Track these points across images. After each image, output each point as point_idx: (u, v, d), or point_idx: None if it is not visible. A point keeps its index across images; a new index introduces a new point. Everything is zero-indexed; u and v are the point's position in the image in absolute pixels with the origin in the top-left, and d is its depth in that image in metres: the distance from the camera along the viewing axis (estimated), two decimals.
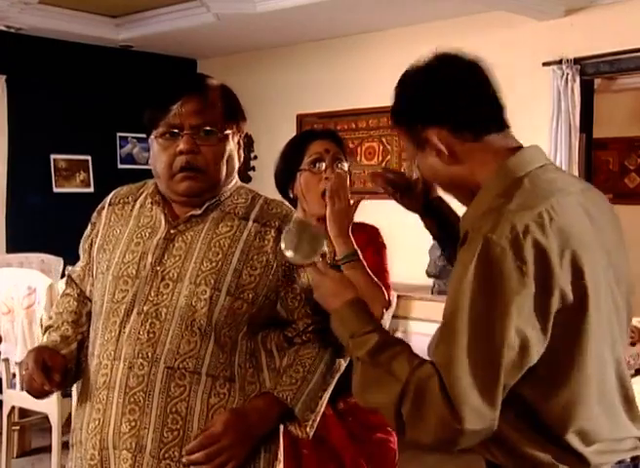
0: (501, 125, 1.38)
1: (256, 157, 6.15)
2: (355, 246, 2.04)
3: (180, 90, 1.59)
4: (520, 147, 1.38)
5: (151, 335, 1.52)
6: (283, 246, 1.51)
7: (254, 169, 6.14)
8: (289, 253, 1.51)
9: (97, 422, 1.55)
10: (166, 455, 1.50)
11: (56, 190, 5.73)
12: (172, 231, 1.59)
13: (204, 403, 1.52)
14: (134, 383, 1.51)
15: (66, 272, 1.79)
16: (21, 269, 4.36)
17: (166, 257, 1.57)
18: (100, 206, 1.75)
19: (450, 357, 1.22)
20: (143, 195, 1.69)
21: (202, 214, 1.60)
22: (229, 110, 1.64)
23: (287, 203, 1.70)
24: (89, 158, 5.81)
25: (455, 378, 1.21)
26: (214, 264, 1.55)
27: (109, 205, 1.72)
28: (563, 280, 1.23)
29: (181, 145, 1.56)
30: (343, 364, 1.67)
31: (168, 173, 1.58)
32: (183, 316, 1.52)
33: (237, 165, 1.68)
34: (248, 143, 6.32)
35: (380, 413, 1.35)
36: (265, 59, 6.05)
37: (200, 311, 1.52)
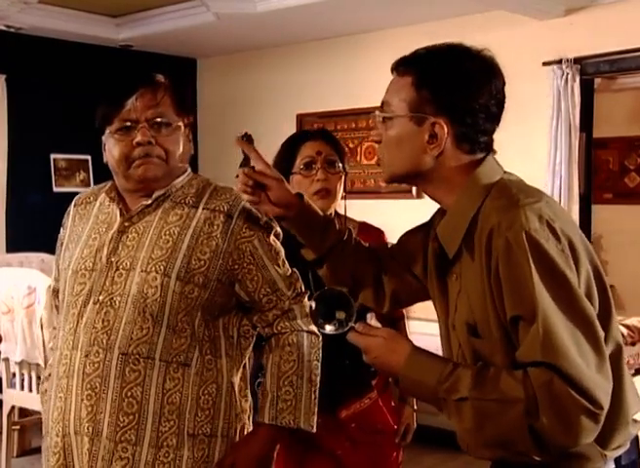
0: (491, 149, 1.41)
1: None
2: None
3: (132, 85, 1.65)
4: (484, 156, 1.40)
5: (106, 324, 1.58)
6: (314, 322, 1.47)
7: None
8: (322, 329, 1.44)
9: (59, 410, 1.60)
10: (122, 438, 1.55)
11: (56, 190, 5.73)
12: (125, 224, 1.66)
13: (159, 387, 1.56)
14: (90, 370, 1.57)
15: (50, 284, 1.86)
16: (21, 269, 4.37)
17: (120, 248, 1.63)
18: (67, 209, 1.81)
19: (558, 352, 1.22)
20: (103, 194, 1.75)
21: (154, 205, 1.66)
22: (179, 104, 1.69)
23: (236, 189, 1.69)
24: (89, 158, 5.81)
25: (575, 369, 1.21)
26: (164, 251, 1.60)
27: (74, 206, 1.80)
28: (585, 260, 1.30)
29: (139, 137, 1.62)
30: (320, 347, 1.71)
31: (125, 164, 1.64)
32: (135, 303, 1.58)
33: (189, 155, 1.73)
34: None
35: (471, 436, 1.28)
36: (265, 59, 6.04)
37: (151, 297, 1.58)
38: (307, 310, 1.72)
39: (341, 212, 2.23)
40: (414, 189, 5.28)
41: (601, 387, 1.23)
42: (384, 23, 5.21)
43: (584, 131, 4.76)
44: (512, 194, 1.32)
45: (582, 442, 1.25)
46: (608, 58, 4.53)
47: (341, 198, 2.19)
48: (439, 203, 1.43)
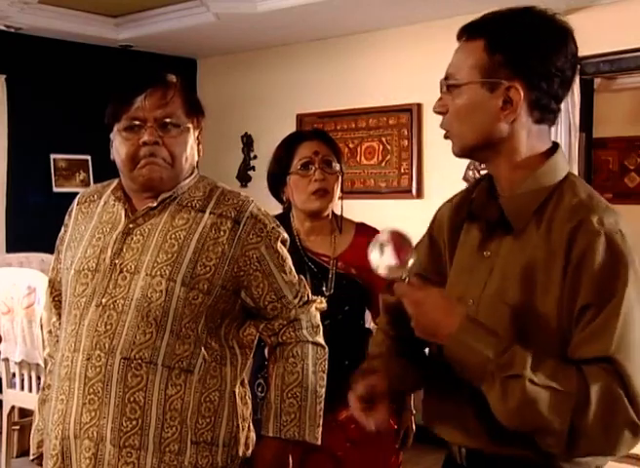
0: (554, 122, 1.39)
1: (255, 157, 6.15)
2: None
3: (142, 84, 1.63)
4: (554, 146, 1.38)
5: (108, 327, 1.56)
6: (370, 258, 1.36)
7: (253, 168, 6.14)
8: (374, 266, 1.34)
9: (60, 413, 1.58)
10: (126, 444, 1.53)
11: (55, 190, 5.72)
12: (130, 225, 1.63)
13: (161, 393, 1.55)
14: (92, 374, 1.55)
15: (48, 276, 1.84)
16: (21, 269, 4.36)
17: (124, 250, 1.61)
18: (70, 207, 1.79)
19: (629, 352, 1.19)
20: (108, 192, 1.73)
21: (160, 208, 1.63)
22: (189, 105, 1.68)
23: (244, 194, 1.71)
24: (89, 158, 5.81)
25: (637, 376, 1.18)
26: (169, 256, 1.58)
27: (77, 204, 1.78)
28: None
29: (145, 137, 1.59)
30: (325, 358, 1.70)
31: (131, 163, 1.62)
32: (139, 307, 1.56)
33: (196, 159, 1.72)
34: (247, 143, 6.36)
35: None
36: (265, 59, 6.05)
37: (155, 302, 1.56)
38: (314, 320, 1.72)
39: (338, 212, 2.23)
40: (414, 189, 5.29)
41: None
42: (384, 23, 5.21)
43: (584, 131, 4.75)
44: (594, 194, 1.31)
45: (620, 453, 1.21)
46: (608, 58, 4.53)
47: (339, 198, 2.20)
48: (498, 178, 1.39)
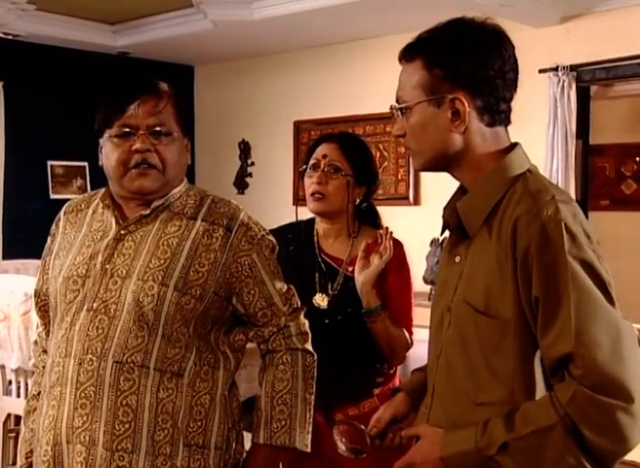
0: (509, 121, 1.40)
1: (252, 163, 6.15)
2: (378, 299, 2.05)
3: (136, 91, 1.63)
4: (512, 145, 1.39)
5: (100, 331, 1.56)
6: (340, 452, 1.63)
7: (251, 175, 6.14)
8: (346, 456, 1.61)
9: (51, 418, 1.58)
10: (119, 447, 1.53)
11: (52, 196, 5.72)
12: (122, 232, 1.63)
13: (153, 396, 1.55)
14: (84, 379, 1.54)
15: (33, 290, 1.83)
16: (18, 275, 4.36)
17: (115, 256, 1.61)
18: (57, 217, 1.79)
19: (590, 348, 1.19)
20: (96, 201, 1.73)
21: (152, 215, 1.64)
22: (180, 113, 1.69)
23: (234, 202, 1.72)
24: (86, 164, 5.81)
25: (604, 364, 1.19)
26: (162, 261, 1.59)
27: (64, 214, 1.77)
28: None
29: (138, 144, 1.60)
30: (314, 365, 1.71)
31: (121, 171, 1.62)
32: (131, 311, 1.56)
33: (186, 167, 1.73)
34: (245, 150, 6.37)
35: None
36: (263, 66, 6.06)
37: (147, 306, 1.56)
38: (303, 327, 1.74)
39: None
40: (411, 196, 5.30)
41: (631, 378, 1.20)
42: (382, 30, 5.22)
43: (581, 138, 4.77)
44: (547, 187, 1.31)
45: (635, 442, 1.21)
46: (604, 66, 4.55)
47: (350, 204, 2.19)
48: (467, 185, 1.41)
